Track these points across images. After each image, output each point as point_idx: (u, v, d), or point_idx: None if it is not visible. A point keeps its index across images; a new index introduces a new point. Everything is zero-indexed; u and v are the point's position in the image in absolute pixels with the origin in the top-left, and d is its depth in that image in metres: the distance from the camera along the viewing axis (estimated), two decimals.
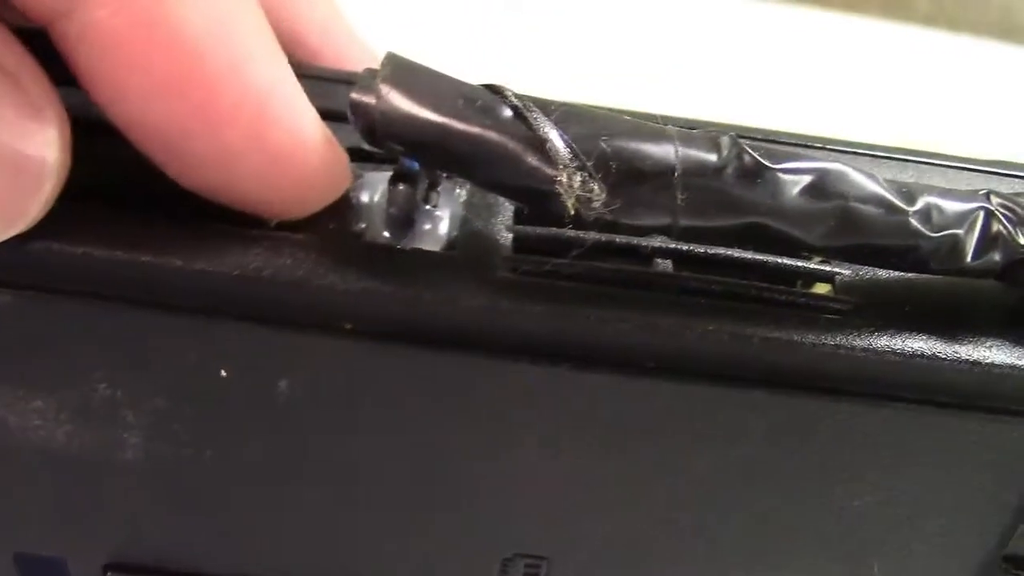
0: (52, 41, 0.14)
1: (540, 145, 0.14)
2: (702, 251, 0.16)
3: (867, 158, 0.18)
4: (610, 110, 0.15)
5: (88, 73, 0.14)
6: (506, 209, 0.17)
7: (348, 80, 0.17)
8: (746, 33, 0.53)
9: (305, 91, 0.16)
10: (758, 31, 0.54)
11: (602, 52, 0.48)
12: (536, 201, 0.15)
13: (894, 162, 0.18)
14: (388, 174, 0.16)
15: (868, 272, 0.16)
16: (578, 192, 0.14)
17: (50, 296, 0.15)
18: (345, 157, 0.15)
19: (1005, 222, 0.15)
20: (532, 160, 0.14)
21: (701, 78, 0.48)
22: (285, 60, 0.15)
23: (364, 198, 0.16)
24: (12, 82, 0.14)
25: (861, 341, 0.15)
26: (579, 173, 0.14)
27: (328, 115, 0.17)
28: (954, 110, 0.49)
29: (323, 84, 0.18)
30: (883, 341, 0.15)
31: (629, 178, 0.14)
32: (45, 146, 0.14)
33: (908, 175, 0.18)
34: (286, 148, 0.14)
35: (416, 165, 0.16)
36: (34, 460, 0.17)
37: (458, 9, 0.47)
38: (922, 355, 0.15)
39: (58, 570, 0.19)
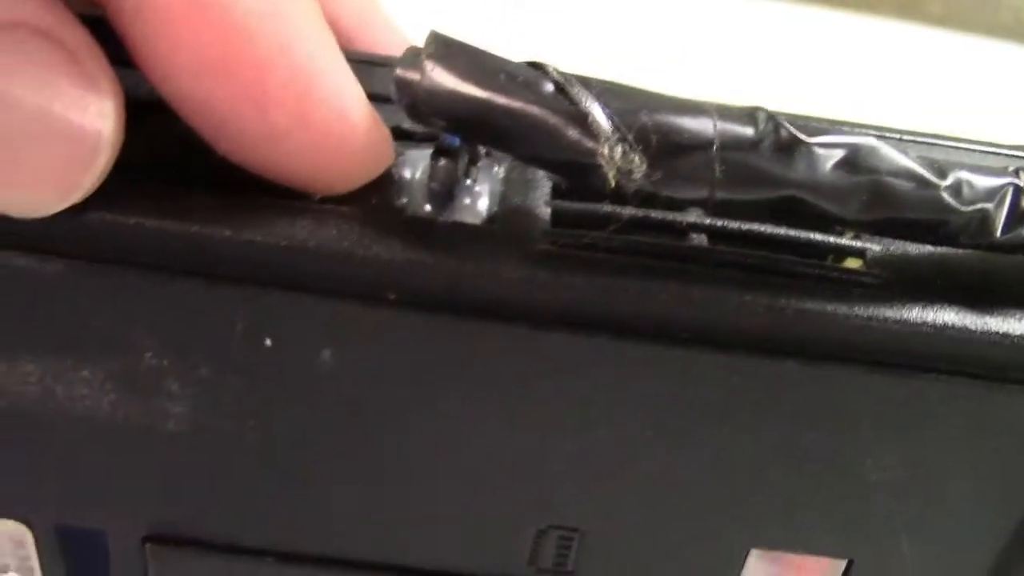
0: (108, 19, 0.15)
1: (582, 119, 0.15)
2: (736, 226, 0.16)
3: (895, 140, 0.18)
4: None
5: (141, 50, 0.15)
6: (544, 185, 0.17)
7: (384, 63, 0.17)
8: (755, 32, 0.54)
9: None
10: (768, 30, 0.55)
11: (610, 47, 0.48)
12: (577, 174, 0.15)
13: (921, 145, 0.18)
14: (429, 152, 0.17)
15: (898, 248, 0.17)
16: (619, 164, 0.15)
17: (100, 266, 0.15)
18: (388, 135, 0.16)
19: None
20: (574, 133, 0.15)
21: (709, 76, 0.48)
22: (333, 39, 0.15)
23: (406, 174, 0.17)
24: (70, 57, 0.14)
25: (893, 313, 0.16)
26: (620, 145, 0.15)
27: (368, 97, 0.17)
28: (967, 110, 0.49)
29: (361, 67, 0.18)
30: (915, 313, 0.16)
31: (669, 151, 0.15)
32: (101, 118, 0.14)
33: (936, 156, 0.18)
34: (332, 127, 0.15)
35: (457, 141, 0.16)
36: (78, 430, 0.17)
37: (462, 9, 0.48)
38: (953, 327, 0.16)
39: (98, 542, 0.19)
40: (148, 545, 0.19)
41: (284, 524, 0.19)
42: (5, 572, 0.20)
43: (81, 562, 0.20)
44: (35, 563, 0.20)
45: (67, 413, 0.17)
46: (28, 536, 0.19)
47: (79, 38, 0.14)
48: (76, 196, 0.15)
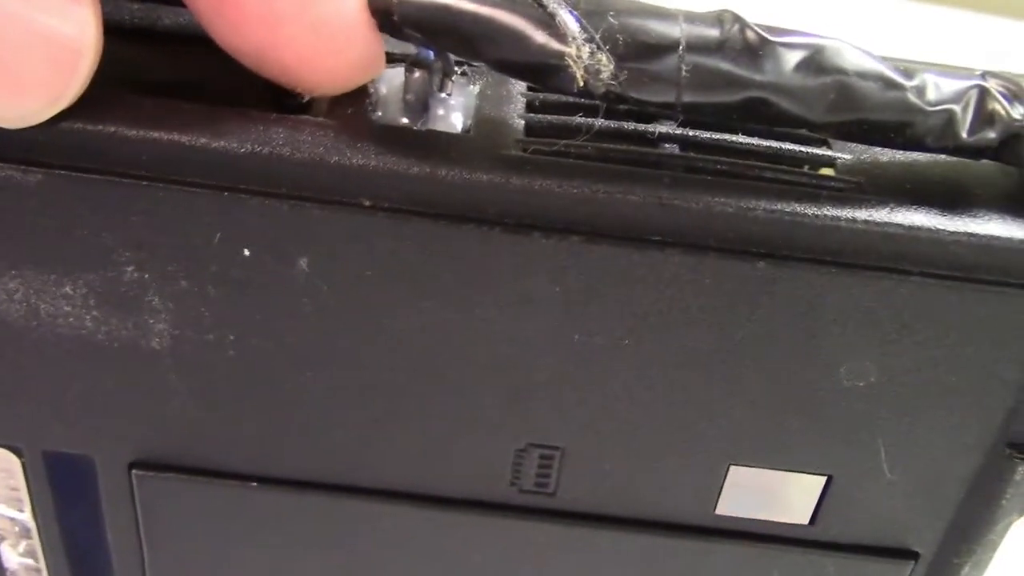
0: None
1: (550, 21, 0.15)
2: (708, 136, 0.17)
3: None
4: None
5: None
6: (518, 101, 0.17)
7: None
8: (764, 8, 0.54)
9: None
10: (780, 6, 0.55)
11: None
12: (547, 76, 0.15)
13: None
14: (403, 68, 0.17)
15: (868, 155, 0.17)
16: (587, 63, 0.15)
17: (80, 175, 0.16)
18: (381, 43, 0.16)
19: (1001, 99, 0.16)
20: (542, 36, 0.15)
21: None
22: None
23: (382, 89, 0.17)
24: None
25: (863, 214, 0.16)
26: (588, 45, 0.15)
27: None
28: None
29: None
30: (884, 214, 0.16)
31: (636, 51, 0.15)
32: (81, 25, 0.14)
33: None
34: (330, 18, 0.15)
35: (431, 55, 0.17)
36: (63, 351, 0.18)
37: None
38: (921, 227, 0.16)
39: (85, 469, 0.20)
40: (135, 471, 0.19)
41: (265, 447, 0.19)
42: None
43: (69, 490, 0.20)
44: (24, 493, 0.20)
45: (52, 332, 0.17)
46: (17, 464, 0.20)
47: None
48: (62, 103, 0.15)
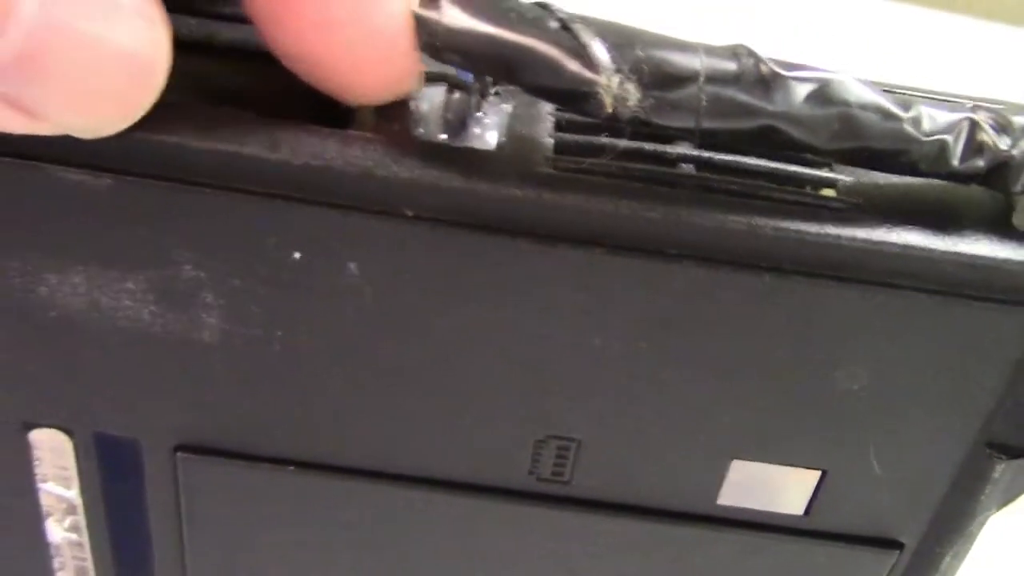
0: None
1: (583, 52, 0.16)
2: (721, 158, 0.18)
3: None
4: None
5: None
6: (548, 120, 0.19)
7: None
8: (769, 13, 0.55)
9: None
10: (777, 10, 0.56)
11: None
12: (579, 102, 0.17)
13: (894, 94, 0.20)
14: (443, 88, 0.18)
15: (867, 178, 0.18)
16: (616, 92, 0.16)
17: (146, 181, 0.17)
18: (418, 55, 0.17)
19: (989, 130, 0.17)
20: (576, 65, 0.16)
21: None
22: None
23: (423, 107, 0.18)
24: None
25: (860, 233, 0.17)
26: (617, 76, 0.16)
27: None
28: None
29: None
30: (880, 233, 0.17)
31: (660, 82, 0.16)
32: (156, 44, 0.16)
33: None
34: (384, 29, 0.16)
35: (470, 77, 0.18)
36: (120, 340, 0.19)
37: None
38: (915, 246, 0.17)
39: (132, 452, 0.21)
40: (179, 454, 0.21)
41: (303, 434, 0.20)
42: (44, 482, 0.22)
43: (116, 471, 0.21)
44: (73, 472, 0.22)
45: (110, 324, 0.19)
46: (68, 444, 0.21)
47: None
48: (135, 116, 0.16)
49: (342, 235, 0.17)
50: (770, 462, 0.20)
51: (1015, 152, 0.17)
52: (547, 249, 0.17)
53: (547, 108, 0.19)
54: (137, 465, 0.21)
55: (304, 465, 0.21)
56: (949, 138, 0.17)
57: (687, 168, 0.18)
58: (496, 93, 0.19)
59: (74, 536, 0.23)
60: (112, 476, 0.22)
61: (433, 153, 0.17)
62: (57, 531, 0.23)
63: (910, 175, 0.18)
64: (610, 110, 0.16)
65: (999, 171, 0.17)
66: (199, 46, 0.19)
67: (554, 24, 0.17)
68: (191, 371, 0.19)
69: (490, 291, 0.18)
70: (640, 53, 0.16)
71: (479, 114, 0.18)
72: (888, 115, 0.17)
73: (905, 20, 0.59)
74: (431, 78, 0.19)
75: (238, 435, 0.20)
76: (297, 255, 0.18)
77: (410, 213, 0.17)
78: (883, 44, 0.55)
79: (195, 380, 0.20)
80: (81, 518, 0.22)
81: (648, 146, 0.18)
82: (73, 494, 0.22)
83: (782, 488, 0.21)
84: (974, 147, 0.17)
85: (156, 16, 0.16)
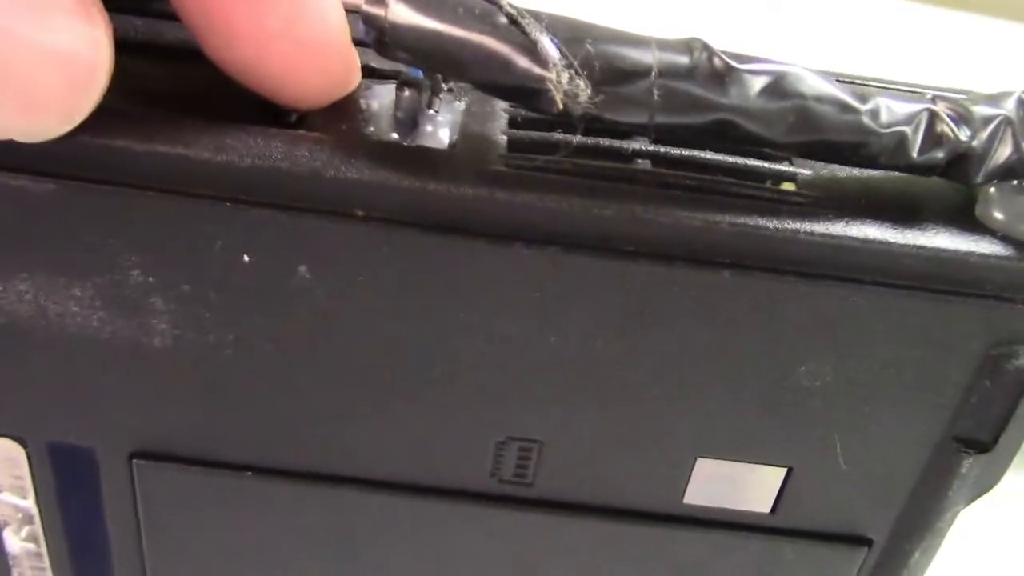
0: None
1: (532, 48, 0.16)
2: (678, 153, 0.18)
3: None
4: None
5: None
6: (501, 117, 0.18)
7: (355, 9, 0.19)
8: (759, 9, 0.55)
9: None
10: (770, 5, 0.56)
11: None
12: (529, 98, 0.16)
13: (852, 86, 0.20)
14: (394, 85, 0.18)
15: (827, 171, 0.18)
16: (566, 88, 0.16)
17: (90, 186, 0.17)
18: (357, 59, 0.17)
19: (949, 121, 0.17)
20: (525, 61, 0.16)
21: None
22: None
23: (373, 105, 0.18)
24: None
25: (820, 227, 0.17)
26: (567, 71, 0.16)
27: None
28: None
29: None
30: (840, 228, 0.17)
31: (611, 76, 0.16)
32: (96, 45, 0.15)
33: None
34: (316, 37, 0.16)
35: (420, 74, 0.18)
36: (69, 348, 0.19)
37: None
38: (875, 240, 0.17)
39: (87, 460, 0.21)
40: (135, 461, 0.20)
41: (259, 439, 0.20)
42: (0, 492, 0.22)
43: (71, 480, 0.21)
44: (28, 482, 0.21)
45: (59, 331, 0.18)
46: (22, 454, 0.21)
47: None
48: (76, 119, 0.16)
49: (292, 237, 0.17)
50: (735, 460, 0.20)
51: (975, 143, 0.17)
52: (501, 248, 0.17)
53: (501, 104, 0.19)
54: (93, 473, 0.21)
55: (262, 470, 0.20)
56: (908, 130, 0.17)
57: (643, 164, 0.18)
58: (449, 90, 0.19)
59: (32, 546, 0.22)
60: (68, 485, 0.21)
61: (384, 152, 0.17)
62: (14, 541, 0.22)
63: (870, 168, 0.18)
64: (561, 106, 0.16)
65: (959, 162, 0.17)
66: (144, 47, 0.19)
67: (503, 19, 0.16)
68: (144, 377, 0.19)
69: (444, 292, 0.18)
70: (591, 48, 0.16)
71: (431, 112, 0.18)
72: (845, 107, 0.17)
73: (902, 16, 0.59)
74: (381, 76, 0.19)
75: (194, 441, 0.20)
76: (246, 258, 0.17)
77: (361, 214, 0.17)
78: (882, 41, 0.55)
79: (148, 386, 0.19)
80: (38, 527, 0.22)
81: (603, 142, 0.18)
82: (29, 503, 0.22)
83: (748, 486, 0.20)
84: (933, 139, 0.17)
85: (96, 17, 0.15)
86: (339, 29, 0.17)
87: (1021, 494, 0.40)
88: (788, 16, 0.55)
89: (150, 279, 0.18)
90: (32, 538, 0.22)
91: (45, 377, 0.19)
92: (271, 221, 0.17)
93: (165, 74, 0.18)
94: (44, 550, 0.22)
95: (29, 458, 0.21)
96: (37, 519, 0.22)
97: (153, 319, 0.18)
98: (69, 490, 0.21)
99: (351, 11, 0.20)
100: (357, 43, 0.19)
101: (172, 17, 0.19)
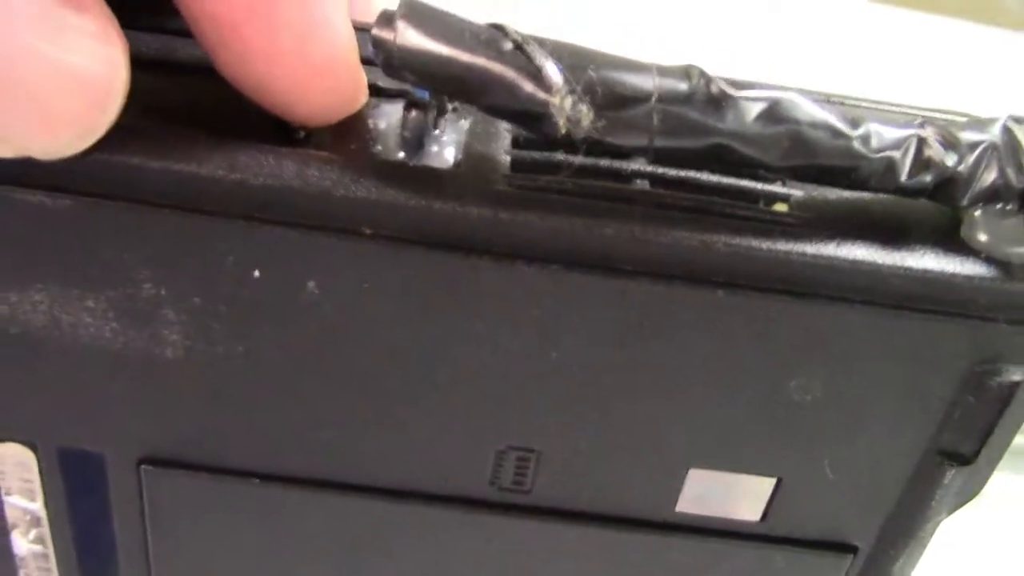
0: None
1: (537, 73, 0.17)
2: (675, 174, 0.18)
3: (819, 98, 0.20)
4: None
5: None
6: (505, 137, 0.19)
7: (364, 28, 0.19)
8: (739, 16, 0.56)
9: None
10: (753, 12, 0.56)
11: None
12: (532, 122, 0.17)
13: (845, 107, 0.20)
14: (401, 105, 0.19)
15: (819, 193, 0.19)
16: (568, 113, 0.17)
17: (106, 202, 0.17)
18: (364, 79, 0.18)
19: (936, 147, 0.18)
20: (529, 86, 0.17)
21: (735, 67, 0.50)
22: None
23: (381, 124, 0.19)
24: (79, 7, 0.15)
25: (811, 248, 0.18)
26: (570, 97, 0.17)
27: None
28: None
29: None
30: (831, 249, 0.18)
31: (613, 102, 0.17)
32: (112, 64, 0.16)
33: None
34: (327, 56, 0.17)
35: (427, 95, 0.18)
36: (82, 357, 0.19)
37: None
38: (864, 261, 0.18)
39: (96, 466, 0.21)
40: (143, 467, 0.21)
41: (267, 447, 0.21)
42: (8, 495, 0.22)
43: (80, 485, 0.22)
44: (37, 486, 0.22)
45: (72, 341, 0.19)
46: (32, 459, 0.21)
47: None
48: (92, 137, 0.16)
49: (301, 254, 0.18)
50: (727, 470, 0.21)
51: (961, 168, 0.18)
52: (504, 266, 0.18)
53: (504, 125, 0.19)
54: (102, 478, 0.21)
55: (268, 477, 0.21)
56: (897, 155, 0.18)
57: (642, 184, 0.18)
58: (454, 110, 0.19)
59: (39, 548, 0.23)
60: (77, 489, 0.22)
61: (390, 172, 0.18)
62: (22, 544, 0.23)
63: (860, 190, 0.18)
64: (564, 131, 0.17)
65: (946, 186, 0.18)
66: (157, 64, 0.19)
67: (508, 45, 0.17)
68: (154, 386, 0.20)
69: (449, 307, 0.18)
70: (593, 74, 0.17)
71: (436, 132, 0.18)
72: (837, 133, 0.17)
73: (894, 23, 0.60)
74: (388, 95, 0.19)
75: (202, 448, 0.21)
76: (257, 273, 0.18)
77: (368, 232, 0.17)
78: (877, 46, 0.56)
79: (158, 395, 0.20)
80: (46, 531, 0.22)
81: (604, 163, 0.18)
82: (38, 507, 0.22)
83: (739, 495, 0.21)
84: (921, 163, 0.18)
85: (112, 35, 0.16)
86: (348, 49, 0.17)
87: (1000, 498, 0.41)
88: (788, 16, 0.56)
89: (162, 292, 0.18)
90: (40, 540, 0.23)
91: (57, 385, 0.20)
92: (282, 238, 0.17)
93: (179, 91, 0.19)
94: (51, 553, 0.23)
95: (39, 462, 0.21)
96: (45, 522, 0.22)
97: (164, 330, 0.19)
98: (77, 495, 0.22)
99: (360, 29, 0.21)
100: (365, 62, 0.20)
101: (186, 34, 0.19)
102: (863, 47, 0.56)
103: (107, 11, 0.16)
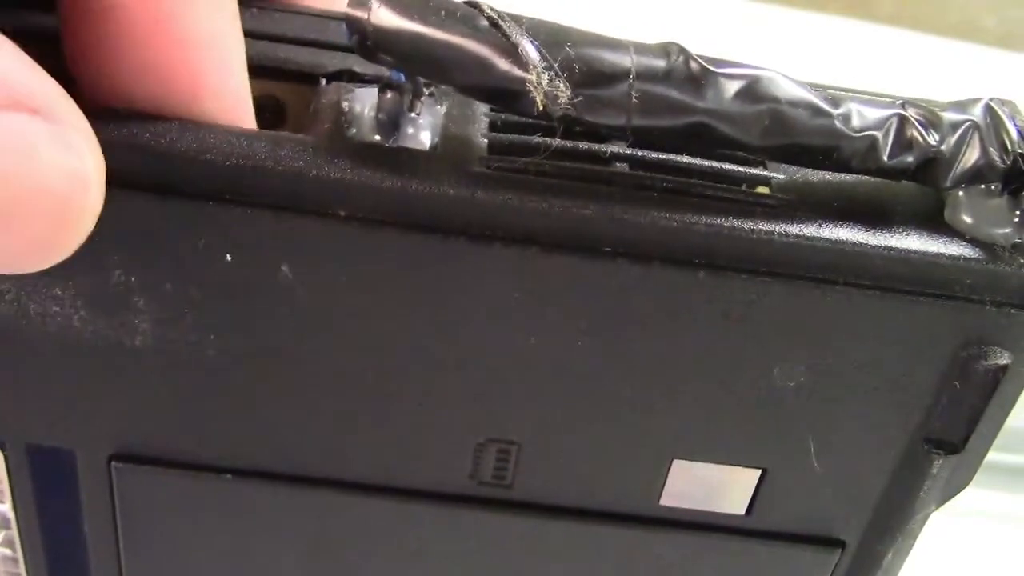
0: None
1: (513, 50, 0.16)
2: (655, 157, 0.18)
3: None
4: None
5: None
6: (482, 121, 0.19)
7: (340, 17, 0.19)
8: (709, 29, 0.56)
9: (301, 26, 0.19)
10: (722, 27, 0.57)
11: None
12: (510, 100, 0.17)
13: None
14: (376, 88, 0.18)
15: (801, 175, 0.19)
16: (546, 90, 0.16)
17: None
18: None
19: (918, 126, 0.17)
20: (506, 63, 0.16)
21: None
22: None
23: (356, 108, 0.18)
24: (42, 119, 0.14)
25: (793, 229, 0.17)
26: (547, 73, 0.16)
27: (321, 44, 0.19)
28: None
29: (322, 20, 0.20)
30: (813, 229, 0.17)
31: (590, 79, 0.16)
32: (82, 182, 0.15)
33: None
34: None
35: (402, 77, 0.18)
36: (49, 348, 0.19)
37: None
38: (847, 242, 0.17)
39: (66, 462, 0.21)
40: (114, 463, 0.20)
41: (240, 441, 0.20)
42: None
43: (50, 483, 0.21)
44: (5, 485, 0.21)
45: (40, 331, 0.18)
46: (0, 457, 0.21)
47: (47, 91, 0.15)
48: (63, 255, 0.15)
49: (274, 237, 0.17)
50: (711, 462, 0.20)
51: (944, 148, 0.18)
52: (481, 248, 0.17)
53: (482, 109, 0.19)
54: (72, 476, 0.21)
55: (241, 473, 0.20)
56: (879, 134, 0.17)
57: (621, 167, 0.18)
58: (431, 94, 0.19)
59: (7, 551, 0.22)
60: (47, 488, 0.21)
61: (365, 153, 0.17)
62: None
63: (842, 171, 0.18)
64: (541, 107, 0.16)
65: (928, 167, 0.18)
66: None
67: (484, 23, 0.17)
68: (124, 378, 0.19)
69: (425, 291, 0.18)
70: (570, 51, 0.16)
71: (413, 115, 0.18)
72: (817, 111, 0.17)
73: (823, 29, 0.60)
74: (363, 80, 0.19)
75: (174, 443, 0.20)
76: (229, 257, 0.18)
77: (343, 213, 0.17)
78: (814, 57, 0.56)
79: (129, 387, 0.19)
80: (15, 532, 0.22)
81: (582, 145, 0.18)
82: (6, 508, 0.22)
83: (724, 488, 0.21)
84: (903, 143, 0.17)
85: (78, 140, 0.15)
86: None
87: (983, 513, 0.41)
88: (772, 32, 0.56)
89: (132, 279, 0.18)
90: (8, 543, 0.22)
91: (25, 378, 0.19)
92: (254, 220, 0.17)
93: None
94: (20, 556, 0.22)
95: (7, 461, 0.21)
96: (14, 524, 0.22)
97: (135, 318, 0.18)
98: (47, 494, 0.21)
99: (332, 18, 0.20)
100: (341, 48, 0.20)
101: None
102: (853, 67, 0.56)
103: (69, 105, 0.15)
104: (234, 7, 0.17)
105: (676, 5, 0.58)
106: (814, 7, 0.62)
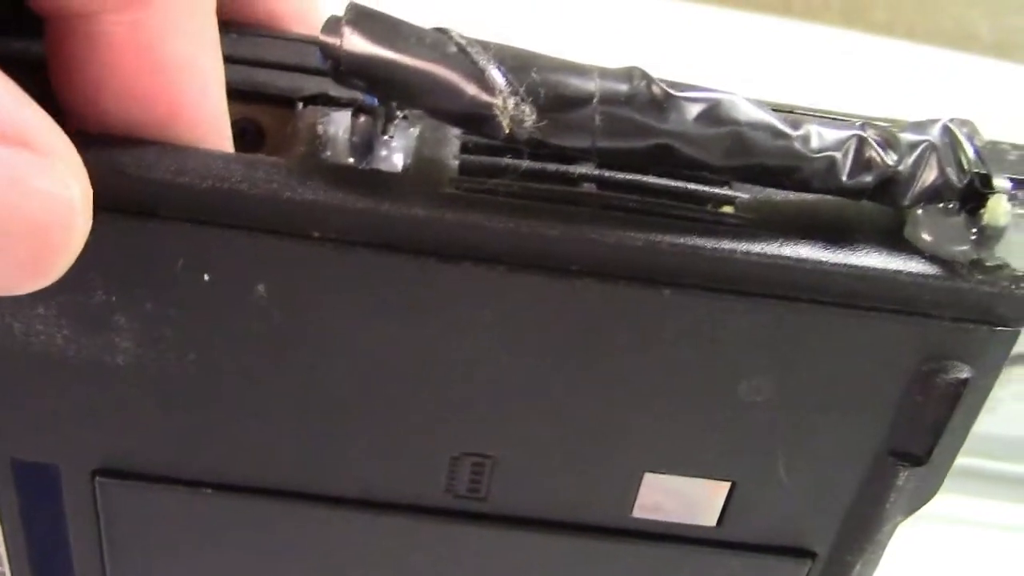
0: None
1: (480, 76, 0.17)
2: (622, 177, 0.19)
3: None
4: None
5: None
6: (453, 143, 0.19)
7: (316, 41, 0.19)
8: (703, 38, 0.56)
9: (280, 50, 0.20)
10: (716, 37, 0.57)
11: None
12: (477, 124, 0.17)
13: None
14: (350, 112, 0.19)
15: (764, 195, 0.19)
16: (512, 114, 0.17)
17: None
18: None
19: (876, 147, 0.18)
20: (473, 89, 0.17)
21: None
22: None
23: (330, 131, 0.19)
24: (23, 146, 0.15)
25: (756, 247, 0.18)
26: (513, 98, 0.17)
27: (299, 69, 0.20)
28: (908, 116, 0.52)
29: (298, 45, 0.21)
30: (775, 248, 0.18)
31: (555, 103, 0.17)
32: (69, 210, 0.15)
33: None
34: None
35: (375, 101, 0.19)
36: (33, 366, 0.19)
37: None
38: (809, 259, 0.18)
39: (50, 477, 0.21)
40: (98, 478, 0.21)
41: (221, 456, 0.21)
42: None
43: (34, 497, 0.22)
44: None
45: (23, 348, 0.19)
46: None
47: (29, 118, 0.15)
48: (51, 279, 0.16)
49: (250, 257, 0.18)
50: (681, 475, 0.21)
51: (902, 168, 0.18)
52: (452, 268, 0.18)
53: (453, 131, 0.19)
54: (56, 491, 0.21)
55: (222, 487, 0.21)
56: (838, 155, 0.18)
57: (588, 187, 0.19)
58: (404, 117, 0.19)
59: None
60: (31, 502, 0.22)
61: (339, 175, 0.18)
62: None
63: (803, 191, 0.18)
64: (507, 131, 0.17)
65: (887, 186, 0.18)
66: None
67: (452, 49, 0.17)
68: (107, 395, 0.20)
69: (398, 310, 0.18)
70: (536, 76, 0.17)
71: (386, 137, 0.19)
72: (777, 133, 0.18)
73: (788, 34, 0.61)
74: (338, 103, 0.20)
75: (157, 458, 0.21)
76: (206, 277, 0.18)
77: (317, 234, 0.18)
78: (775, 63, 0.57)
79: (112, 404, 0.20)
80: (1, 547, 0.22)
81: (551, 167, 0.19)
82: None
83: (695, 500, 0.21)
84: (862, 163, 0.18)
85: (64, 168, 0.15)
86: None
87: (950, 518, 0.41)
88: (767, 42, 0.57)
89: (113, 298, 0.18)
90: None
91: (9, 394, 0.20)
92: (230, 241, 0.18)
93: None
94: (6, 568, 0.23)
95: None
96: (0, 539, 0.22)
97: (117, 337, 0.19)
98: (32, 508, 0.22)
99: (309, 43, 0.21)
100: (315, 72, 0.20)
101: None
102: (848, 76, 0.57)
103: (54, 133, 0.15)
104: (214, 34, 0.18)
105: (669, 16, 0.58)
106: (808, 17, 0.62)
